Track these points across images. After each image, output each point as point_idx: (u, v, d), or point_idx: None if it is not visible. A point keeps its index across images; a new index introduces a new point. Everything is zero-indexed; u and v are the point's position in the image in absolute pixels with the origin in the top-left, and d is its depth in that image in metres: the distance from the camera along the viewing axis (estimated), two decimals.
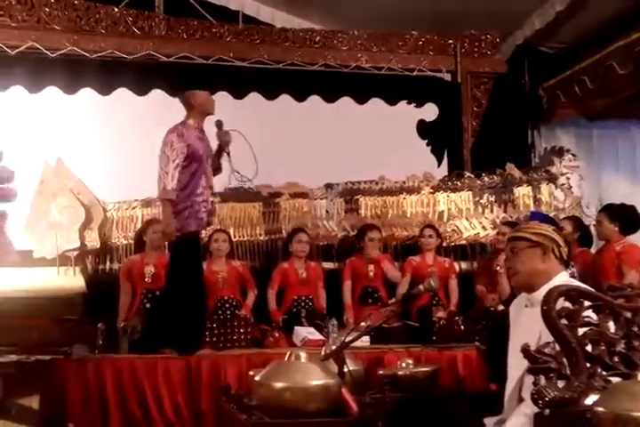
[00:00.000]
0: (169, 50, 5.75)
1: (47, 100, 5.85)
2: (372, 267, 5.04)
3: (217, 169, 4.43)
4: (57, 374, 3.74)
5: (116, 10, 5.70)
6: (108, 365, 3.80)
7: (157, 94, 5.94)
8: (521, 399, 2.19)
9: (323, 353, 2.86)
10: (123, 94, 5.86)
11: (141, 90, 5.92)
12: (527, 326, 2.22)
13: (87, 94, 5.81)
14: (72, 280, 5.07)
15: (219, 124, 4.35)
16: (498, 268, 4.77)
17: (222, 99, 6.01)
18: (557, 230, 2.44)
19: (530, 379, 1.73)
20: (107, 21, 5.65)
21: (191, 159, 4.17)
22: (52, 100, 5.86)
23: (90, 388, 3.74)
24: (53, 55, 5.48)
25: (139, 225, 5.19)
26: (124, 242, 5.29)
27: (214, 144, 4.38)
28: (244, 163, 4.33)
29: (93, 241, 5.24)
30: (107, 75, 5.75)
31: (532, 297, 2.33)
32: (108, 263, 5.28)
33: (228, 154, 4.32)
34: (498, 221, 5.41)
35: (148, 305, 4.63)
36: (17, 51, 5.41)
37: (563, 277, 2.33)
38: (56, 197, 5.22)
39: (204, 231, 4.68)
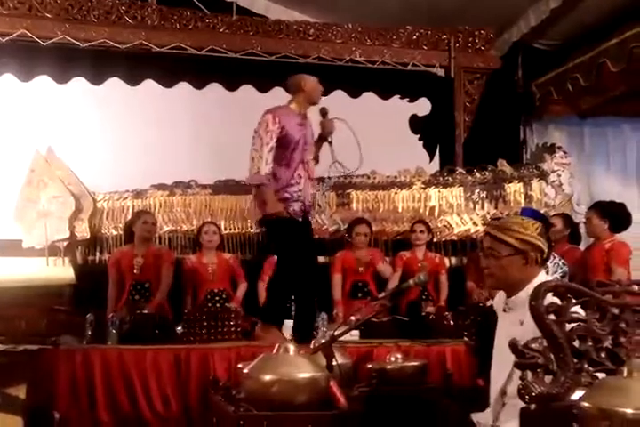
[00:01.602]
0: (161, 40, 5.72)
1: (38, 88, 5.81)
2: (362, 261, 5.03)
3: (315, 159, 4.21)
4: (45, 364, 3.72)
5: None
6: (96, 355, 3.78)
7: (149, 84, 5.92)
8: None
9: (312, 347, 2.86)
10: (114, 84, 5.83)
11: (133, 80, 5.89)
12: (506, 331, 2.18)
13: (78, 83, 5.78)
14: (61, 271, 5.06)
15: (324, 111, 4.14)
16: None
17: (213, 90, 6.02)
18: (543, 230, 2.26)
19: (514, 385, 1.70)
20: (99, 10, 5.61)
21: (286, 144, 3.94)
22: (43, 88, 5.82)
23: (78, 378, 3.73)
24: (45, 44, 5.44)
25: (129, 216, 5.17)
26: (115, 233, 5.28)
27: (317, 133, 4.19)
28: (344, 153, 4.11)
29: (83, 232, 5.23)
30: (98, 64, 5.72)
31: (510, 301, 2.25)
32: (97, 254, 5.27)
33: (330, 143, 4.12)
34: (488, 217, 5.43)
35: (136, 297, 4.63)
36: (8, 38, 5.37)
37: (541, 279, 2.20)
38: (46, 187, 5.20)
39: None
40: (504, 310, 2.30)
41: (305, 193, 4.09)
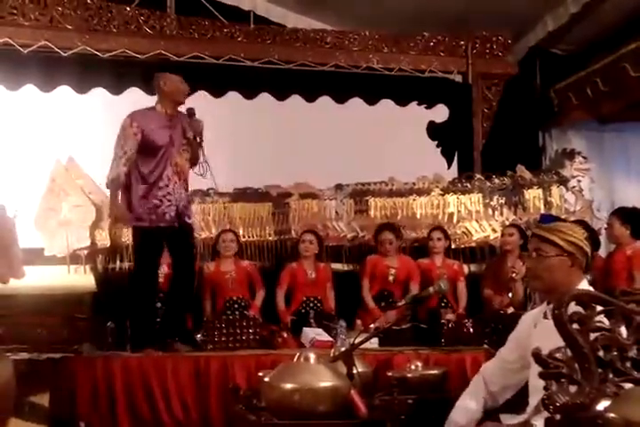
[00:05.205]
0: (180, 49, 5.77)
1: (59, 98, 5.88)
2: (393, 271, 4.93)
3: (192, 160, 4.06)
4: (67, 372, 3.76)
5: (128, 9, 5.73)
6: (117, 363, 3.81)
7: None
8: None
9: (332, 355, 2.86)
10: (134, 94, 5.88)
11: (152, 89, 5.91)
12: (548, 337, 2.15)
13: (99, 93, 5.84)
14: (82, 279, 5.10)
15: (190, 112, 4.03)
16: (513, 274, 4.70)
17: (231, 98, 6.05)
18: (588, 237, 2.28)
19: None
20: (119, 21, 5.68)
21: (149, 148, 3.88)
22: (63, 98, 5.89)
23: (99, 386, 3.76)
24: (65, 54, 5.52)
25: None
26: None
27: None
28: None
29: (104, 240, 5.27)
30: (118, 74, 5.79)
31: (551, 308, 2.25)
32: (117, 262, 5.30)
33: (200, 144, 3.98)
34: (507, 223, 5.39)
35: (158, 304, 4.65)
36: (29, 49, 5.45)
37: (584, 285, 2.23)
38: (67, 196, 5.25)
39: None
40: (544, 317, 2.27)
41: (177, 196, 3.98)
